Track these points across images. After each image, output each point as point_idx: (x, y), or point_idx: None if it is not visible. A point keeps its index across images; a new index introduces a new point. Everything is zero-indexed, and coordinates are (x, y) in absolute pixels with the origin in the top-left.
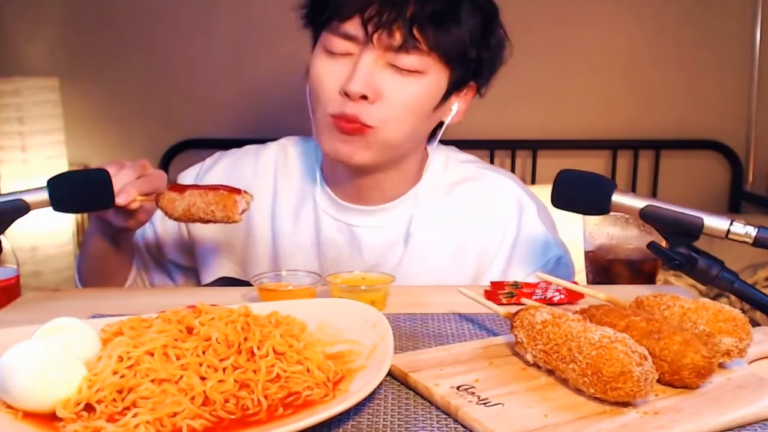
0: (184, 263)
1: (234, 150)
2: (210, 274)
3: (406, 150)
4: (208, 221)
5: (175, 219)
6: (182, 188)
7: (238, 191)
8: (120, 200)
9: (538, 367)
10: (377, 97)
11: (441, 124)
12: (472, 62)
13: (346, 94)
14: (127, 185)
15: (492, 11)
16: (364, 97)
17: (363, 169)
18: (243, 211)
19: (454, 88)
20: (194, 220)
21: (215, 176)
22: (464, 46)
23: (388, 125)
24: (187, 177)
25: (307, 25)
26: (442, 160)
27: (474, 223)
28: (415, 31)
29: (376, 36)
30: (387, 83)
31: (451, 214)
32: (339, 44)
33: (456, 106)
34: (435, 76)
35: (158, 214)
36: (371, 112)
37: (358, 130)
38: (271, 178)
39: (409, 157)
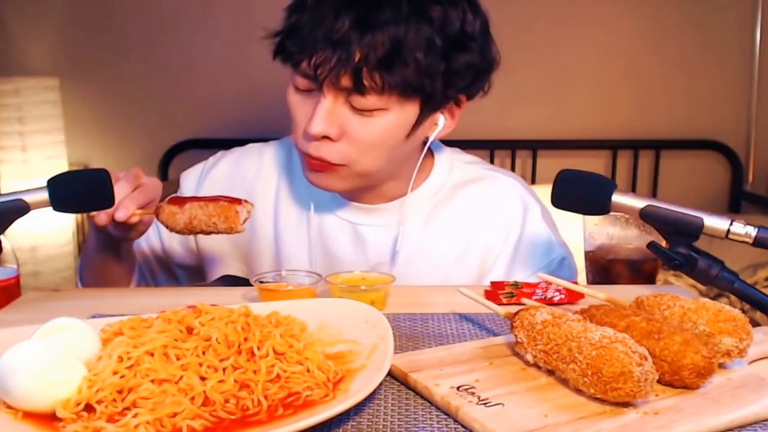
0: (190, 263)
1: (237, 148)
2: (215, 273)
3: (389, 171)
4: (210, 233)
5: (177, 232)
6: (182, 201)
7: (238, 201)
8: (119, 216)
9: (538, 367)
10: (341, 135)
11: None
12: (439, 89)
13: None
14: (124, 199)
15: (456, 29)
16: (328, 137)
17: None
18: (245, 220)
19: (427, 112)
20: (196, 233)
21: (218, 175)
22: (420, 81)
23: (359, 161)
24: (190, 175)
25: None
26: (447, 161)
27: (478, 224)
28: (364, 76)
29: (326, 81)
30: (350, 122)
31: (456, 214)
32: (302, 81)
33: (442, 119)
34: (399, 110)
35: None
36: (337, 151)
37: (327, 168)
38: (274, 176)
39: (403, 166)
